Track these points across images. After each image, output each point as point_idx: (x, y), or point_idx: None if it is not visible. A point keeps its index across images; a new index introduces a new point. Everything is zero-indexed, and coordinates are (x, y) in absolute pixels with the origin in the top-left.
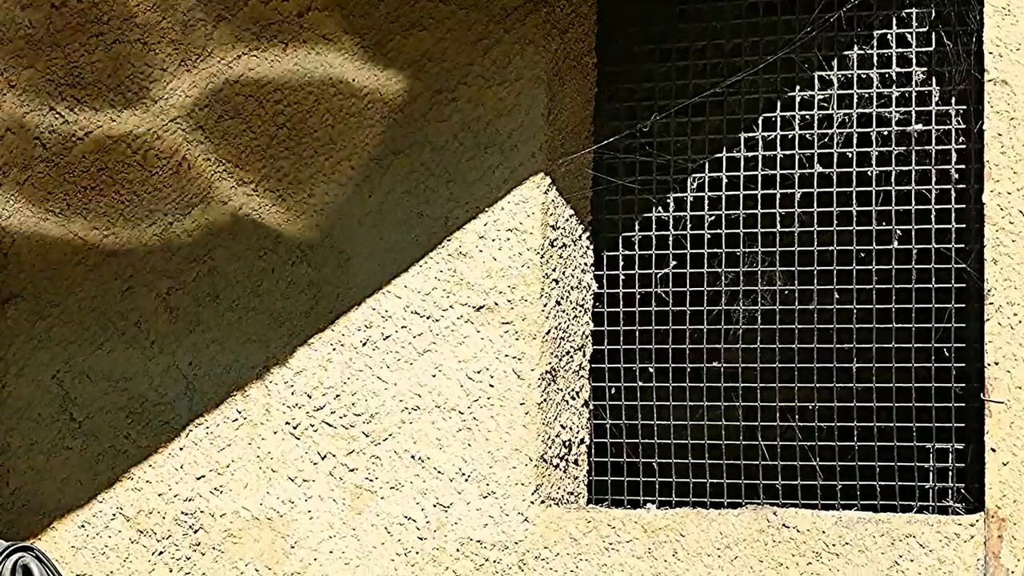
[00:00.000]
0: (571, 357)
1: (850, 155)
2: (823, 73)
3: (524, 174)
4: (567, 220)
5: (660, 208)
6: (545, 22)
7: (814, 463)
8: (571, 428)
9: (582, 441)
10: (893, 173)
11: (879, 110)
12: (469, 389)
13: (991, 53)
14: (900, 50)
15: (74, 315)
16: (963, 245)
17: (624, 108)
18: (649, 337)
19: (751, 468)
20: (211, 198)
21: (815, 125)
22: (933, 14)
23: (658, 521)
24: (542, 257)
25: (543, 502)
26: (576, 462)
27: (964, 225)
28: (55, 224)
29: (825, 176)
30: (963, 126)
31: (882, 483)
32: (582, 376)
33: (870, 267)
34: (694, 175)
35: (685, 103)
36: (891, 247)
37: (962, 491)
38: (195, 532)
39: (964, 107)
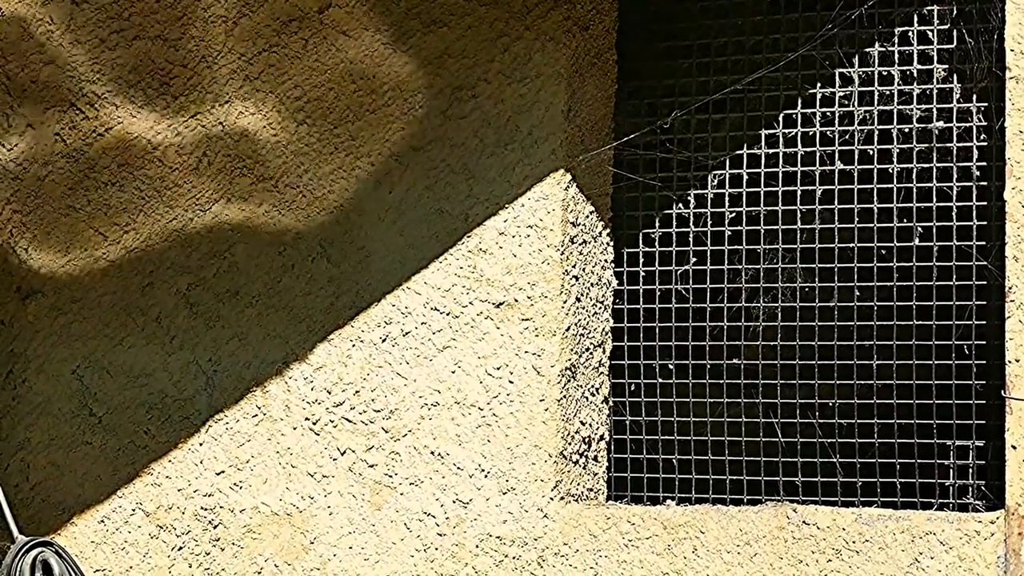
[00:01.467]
0: (591, 353)
1: (871, 152)
2: (844, 70)
3: (544, 171)
4: (587, 217)
5: (680, 205)
6: (566, 19)
7: (834, 460)
8: (591, 424)
9: (602, 437)
10: (914, 170)
11: (900, 107)
12: (489, 385)
13: (1012, 50)
14: (921, 47)
15: (94, 311)
16: (984, 242)
17: (644, 105)
18: (669, 334)
19: (771, 465)
20: (231, 194)
21: (836, 122)
22: (954, 11)
23: (677, 518)
24: (562, 254)
25: (562, 498)
26: (596, 458)
27: (985, 222)
28: (76, 219)
29: (846, 173)
30: (984, 123)
31: (902, 480)
32: (602, 372)
33: (891, 264)
34: (714, 172)
35: (706, 100)
36: (912, 244)
37: (982, 488)
38: (214, 527)
39: (985, 104)
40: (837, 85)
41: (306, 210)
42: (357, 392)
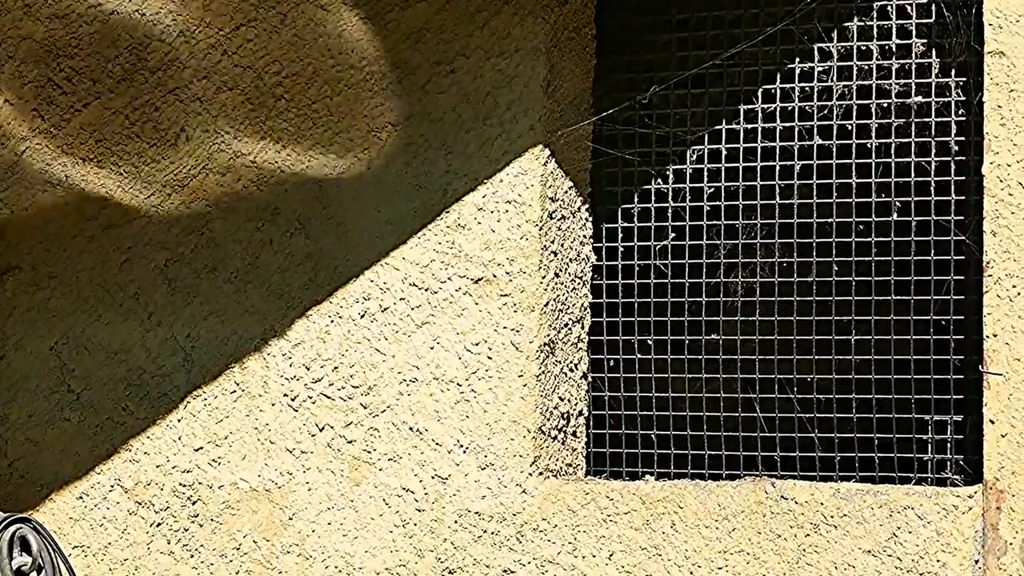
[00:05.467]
0: (569, 329)
1: (849, 127)
2: (823, 45)
3: (523, 146)
4: (566, 192)
5: (659, 180)
6: None
7: (812, 435)
8: (569, 400)
9: (580, 413)
10: (893, 145)
11: (879, 82)
12: (467, 361)
13: (991, 25)
14: (900, 22)
15: (72, 287)
16: (962, 217)
17: (624, 80)
18: (648, 309)
19: (749, 440)
20: (209, 170)
21: (815, 97)
22: None
23: (656, 493)
24: (541, 229)
25: (541, 474)
26: (574, 434)
27: (963, 197)
28: (53, 195)
29: (824, 148)
30: (963, 98)
31: (880, 455)
32: (580, 348)
33: (869, 239)
34: (693, 147)
35: (685, 75)
36: (890, 219)
37: (960, 463)
38: (193, 504)
39: (964, 79)
40: (816, 60)
41: (284, 185)
42: (335, 368)
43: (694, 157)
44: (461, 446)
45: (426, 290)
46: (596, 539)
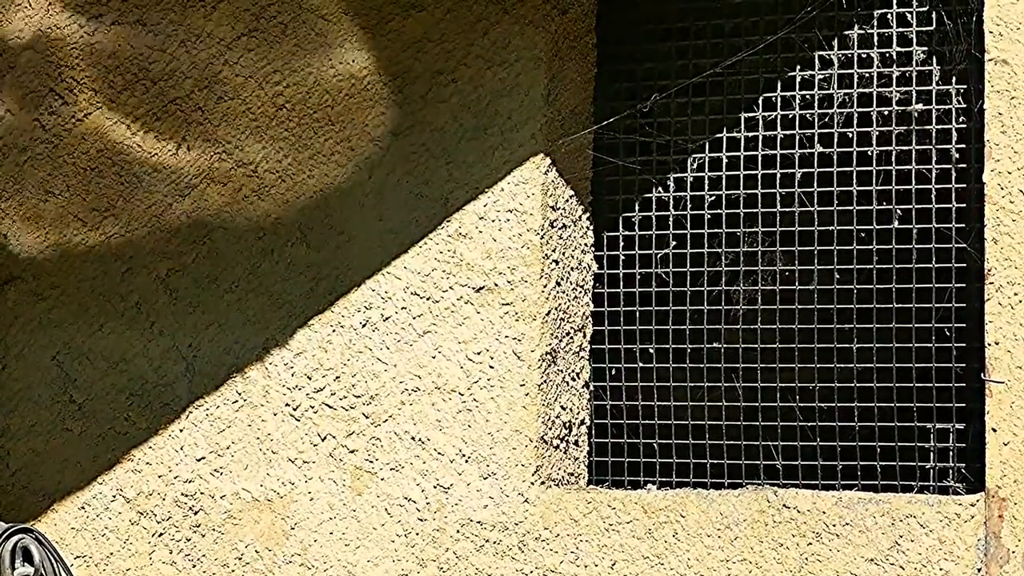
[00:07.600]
0: (571, 338)
1: (850, 135)
2: (823, 53)
3: (524, 155)
4: (567, 201)
5: (660, 189)
6: (545, 2)
7: (814, 443)
8: (571, 409)
9: (582, 422)
10: (893, 153)
11: (879, 90)
12: (469, 370)
13: (991, 32)
14: (900, 30)
15: (74, 297)
16: (963, 225)
17: (624, 88)
18: (649, 318)
19: (751, 449)
20: (210, 179)
21: (815, 105)
22: None
23: (658, 502)
24: (542, 238)
25: (543, 483)
26: (576, 443)
27: (964, 205)
28: (55, 205)
29: (825, 156)
30: (963, 105)
31: (883, 463)
32: (582, 357)
33: (870, 247)
34: (694, 155)
35: (685, 83)
36: (891, 227)
37: (963, 471)
38: (195, 514)
39: (964, 86)
40: (816, 68)
41: (285, 195)
42: (337, 378)
43: (695, 165)
44: (463, 455)
45: (427, 299)
46: (598, 548)
